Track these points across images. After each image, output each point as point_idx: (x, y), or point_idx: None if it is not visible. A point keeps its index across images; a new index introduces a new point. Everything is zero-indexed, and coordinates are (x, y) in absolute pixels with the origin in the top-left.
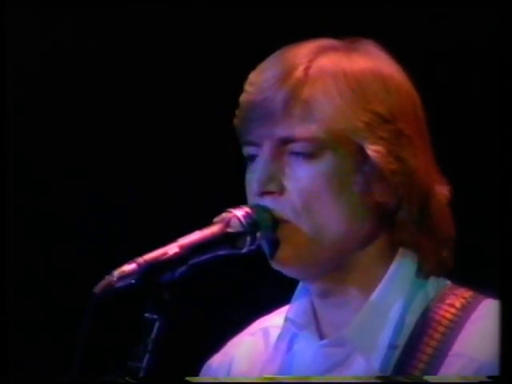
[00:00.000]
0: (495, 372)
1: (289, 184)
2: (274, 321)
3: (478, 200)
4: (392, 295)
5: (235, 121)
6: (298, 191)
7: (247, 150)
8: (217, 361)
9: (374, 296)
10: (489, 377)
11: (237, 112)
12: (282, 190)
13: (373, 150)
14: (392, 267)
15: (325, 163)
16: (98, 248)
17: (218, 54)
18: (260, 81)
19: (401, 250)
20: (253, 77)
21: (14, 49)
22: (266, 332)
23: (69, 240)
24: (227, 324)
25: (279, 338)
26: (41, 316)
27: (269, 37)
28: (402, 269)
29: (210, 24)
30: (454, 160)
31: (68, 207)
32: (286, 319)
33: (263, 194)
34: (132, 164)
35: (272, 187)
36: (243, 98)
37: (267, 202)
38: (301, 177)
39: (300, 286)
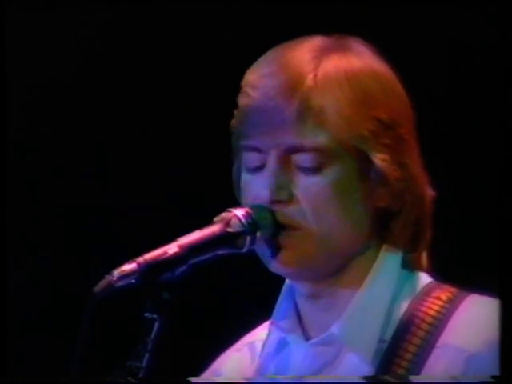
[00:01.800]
0: (485, 363)
1: (298, 192)
2: (260, 335)
3: (478, 200)
4: (378, 292)
5: (235, 122)
6: (308, 199)
7: (249, 155)
8: (205, 379)
9: (360, 292)
10: (491, 377)
11: (237, 114)
12: (291, 199)
13: (379, 158)
14: (376, 265)
15: (333, 172)
16: (98, 247)
17: (221, 51)
18: (265, 86)
19: (384, 247)
20: (254, 80)
21: (14, 52)
22: (252, 347)
23: (69, 239)
24: (227, 323)
25: (265, 344)
26: (41, 316)
27: (256, 35)
28: (386, 266)
29: (198, 23)
30: (454, 160)
31: (68, 206)
32: (272, 324)
33: (273, 202)
34: (132, 164)
35: (282, 196)
36: (246, 101)
37: (276, 209)
38: (310, 185)
39: (284, 288)
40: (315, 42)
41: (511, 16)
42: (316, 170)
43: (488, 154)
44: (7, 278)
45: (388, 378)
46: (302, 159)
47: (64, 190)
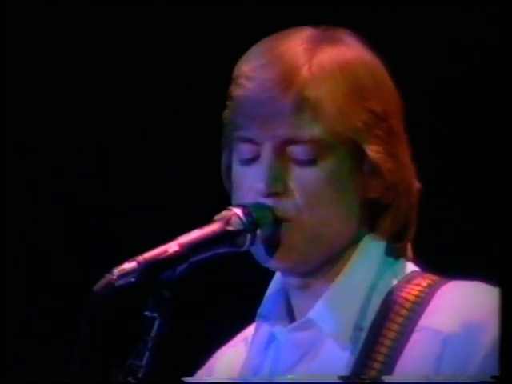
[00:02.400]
0: (461, 344)
1: (292, 184)
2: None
3: (478, 196)
4: (356, 278)
5: (228, 113)
6: (302, 192)
7: (242, 146)
8: (201, 375)
9: (338, 279)
10: (491, 377)
11: (231, 105)
12: (286, 191)
13: (372, 150)
14: (357, 252)
15: (327, 164)
16: (98, 246)
17: (220, 51)
18: (260, 77)
19: (366, 236)
20: (248, 71)
21: (14, 52)
22: (247, 342)
23: (69, 239)
24: (227, 323)
25: (254, 336)
26: (41, 316)
27: (252, 34)
28: (367, 252)
29: (197, 23)
30: (454, 159)
31: (68, 206)
32: (259, 315)
33: (269, 195)
34: (132, 164)
35: (277, 188)
36: (240, 92)
37: (270, 202)
38: (305, 177)
39: (274, 280)
40: (306, 33)
41: (511, 16)
42: (311, 161)
43: (488, 153)
44: (7, 277)
45: (364, 377)
46: (298, 151)
47: (64, 190)
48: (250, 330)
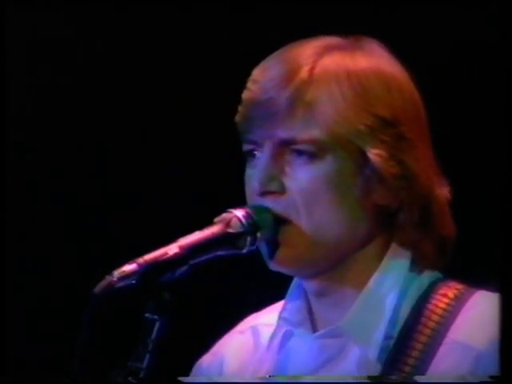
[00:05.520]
0: (494, 361)
1: (290, 184)
2: (264, 319)
3: (479, 199)
4: (386, 287)
5: (237, 118)
6: (299, 191)
7: (247, 147)
8: (207, 361)
9: (367, 288)
10: (490, 377)
11: (239, 109)
12: (282, 190)
13: (374, 153)
14: (384, 261)
15: (325, 165)
16: (99, 248)
17: (221, 51)
18: (263, 79)
19: (393, 245)
20: (256, 74)
21: (14, 52)
22: (255, 331)
23: (69, 240)
24: (227, 324)
25: (272, 337)
26: (41, 316)
27: (272, 33)
28: (395, 262)
29: (211, 20)
30: (453, 159)
31: (68, 206)
32: (280, 318)
33: (264, 193)
34: (132, 164)
35: (273, 187)
36: (246, 95)
37: (268, 201)
38: (302, 177)
39: (294, 283)
40: (326, 40)
41: (511, 16)
42: (308, 161)
43: (487, 153)
44: (7, 277)
45: (387, 378)
46: (295, 151)
47: (64, 190)
48: (258, 318)
